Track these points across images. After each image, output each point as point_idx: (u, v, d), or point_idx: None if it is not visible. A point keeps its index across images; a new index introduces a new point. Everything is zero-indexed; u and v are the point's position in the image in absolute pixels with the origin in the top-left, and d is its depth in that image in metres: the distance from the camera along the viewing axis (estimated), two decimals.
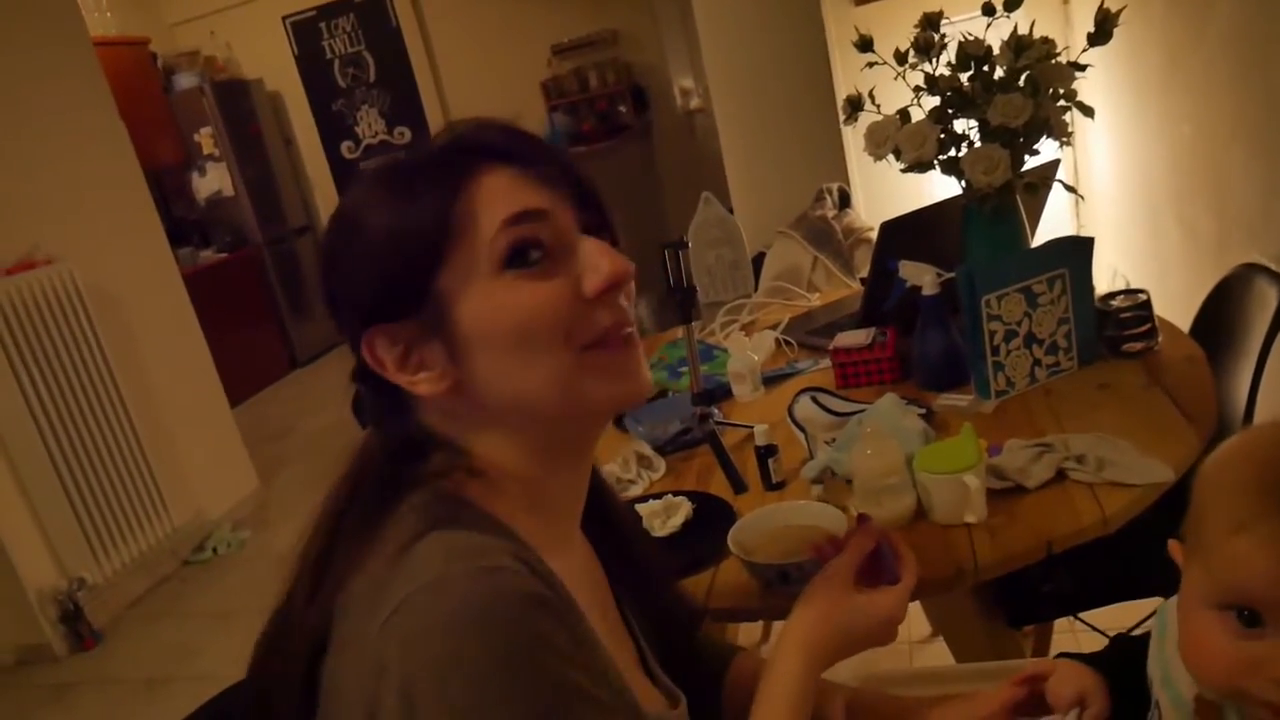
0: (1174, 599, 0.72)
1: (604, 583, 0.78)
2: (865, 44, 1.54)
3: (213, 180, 5.74)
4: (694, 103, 5.35)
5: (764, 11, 2.75)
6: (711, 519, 1.20)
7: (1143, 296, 1.48)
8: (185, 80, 5.65)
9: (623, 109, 5.63)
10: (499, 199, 0.62)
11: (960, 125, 1.48)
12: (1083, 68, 1.39)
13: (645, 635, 0.79)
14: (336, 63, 6.10)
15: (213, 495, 3.62)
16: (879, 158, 1.47)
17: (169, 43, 6.02)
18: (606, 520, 0.80)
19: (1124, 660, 0.75)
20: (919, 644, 2.14)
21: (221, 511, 3.62)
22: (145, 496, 3.23)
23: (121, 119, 3.47)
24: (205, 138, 5.64)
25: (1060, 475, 1.15)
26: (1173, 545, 0.66)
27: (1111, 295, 1.52)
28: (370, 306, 0.64)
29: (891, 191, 2.34)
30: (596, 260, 0.64)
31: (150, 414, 3.31)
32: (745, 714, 0.73)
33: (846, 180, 2.65)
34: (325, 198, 6.42)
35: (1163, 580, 1.39)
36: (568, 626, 0.56)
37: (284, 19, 6.05)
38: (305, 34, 6.08)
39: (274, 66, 6.11)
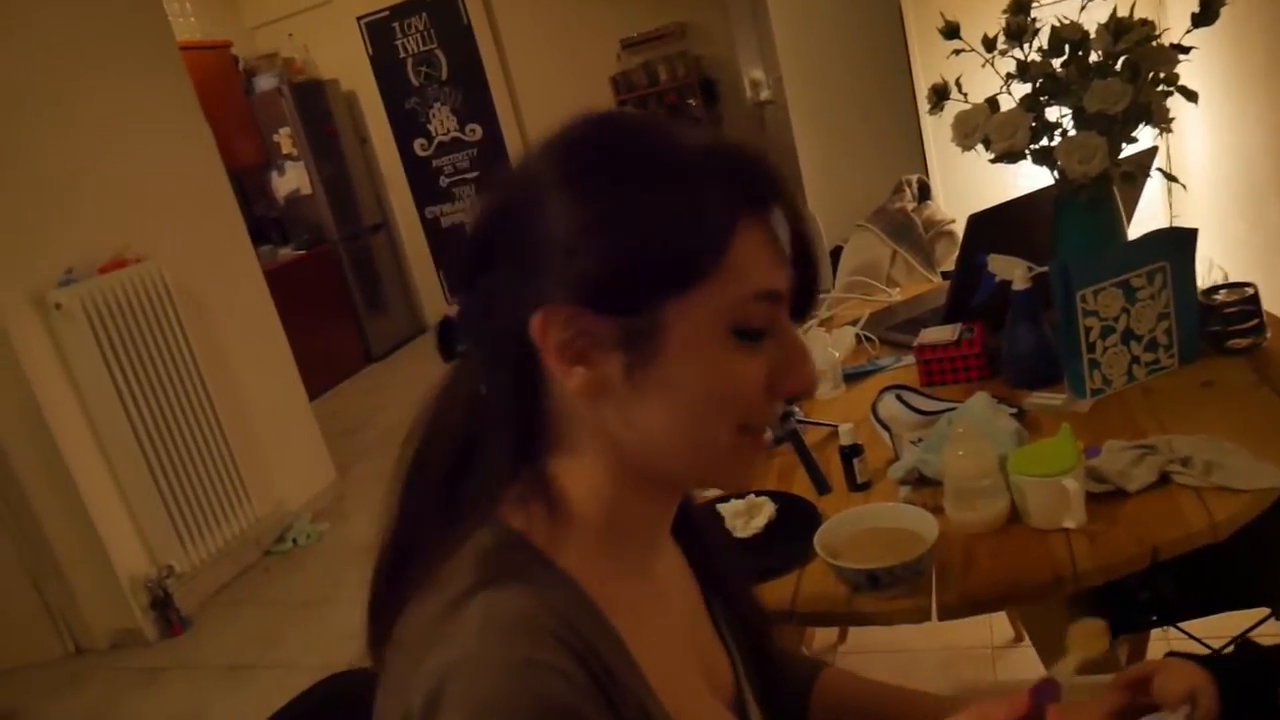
0: None
1: (694, 592, 0.76)
2: (951, 30, 1.49)
3: (291, 179, 5.89)
4: (764, 94, 5.29)
5: (839, 0, 2.70)
6: (795, 520, 1.18)
7: (1249, 290, 1.40)
8: (265, 82, 5.80)
9: (692, 102, 5.60)
10: (756, 263, 0.58)
11: (1053, 113, 1.42)
12: (1186, 50, 1.33)
13: (737, 644, 0.77)
14: (409, 61, 6.20)
15: (292, 487, 3.71)
16: (967, 148, 1.42)
17: (249, 45, 6.19)
18: (689, 525, 0.78)
19: (1245, 664, 0.71)
20: (1001, 649, 2.08)
21: (301, 503, 3.72)
22: (229, 488, 3.33)
23: (206, 120, 3.57)
24: (284, 138, 5.79)
25: (1164, 479, 1.10)
26: None
27: (1215, 289, 1.45)
28: (580, 283, 0.57)
29: (972, 184, 2.28)
30: (800, 365, 0.61)
31: (234, 408, 3.41)
32: None
33: (925, 172, 2.59)
34: (399, 195, 6.54)
35: (1273, 589, 1.33)
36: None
37: (358, 19, 6.17)
38: (379, 34, 6.19)
39: (349, 67, 6.24)
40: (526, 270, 0.58)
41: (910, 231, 2.21)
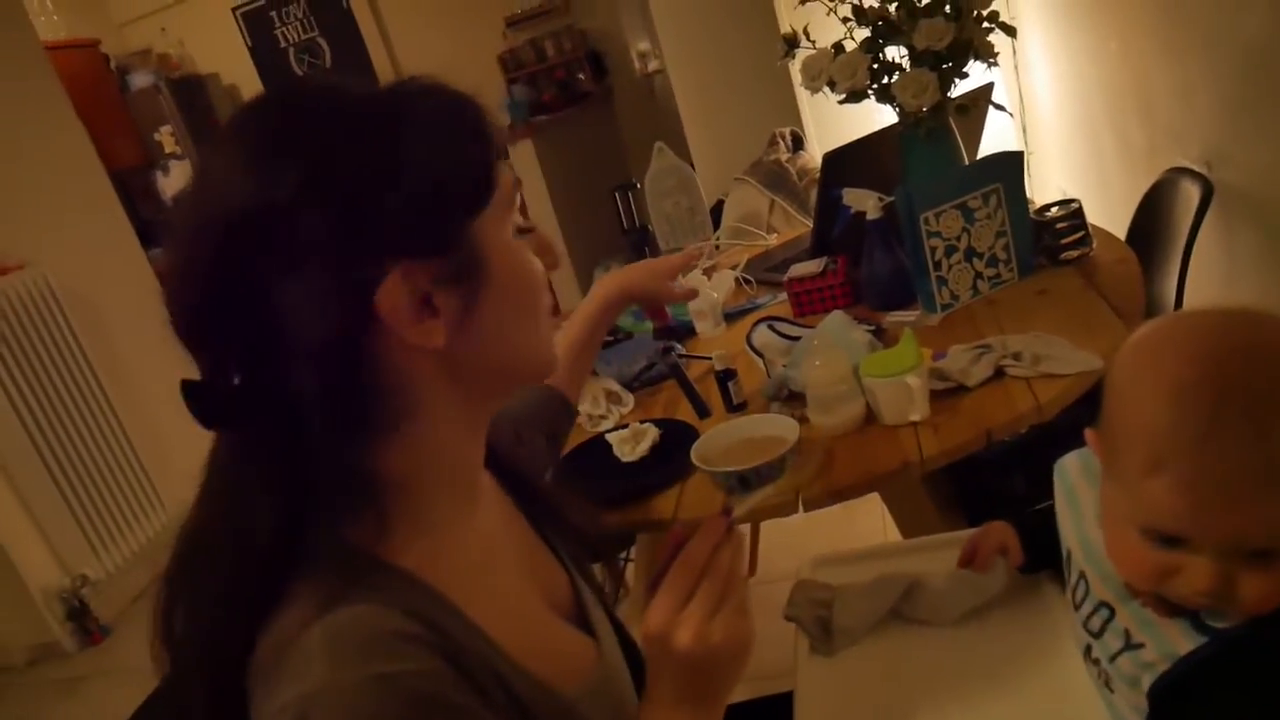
0: (1068, 458, 0.80)
1: (519, 521, 0.80)
2: None
3: (177, 178, 5.72)
4: (652, 65, 5.36)
5: None
6: (678, 441, 1.27)
7: (1075, 205, 1.55)
8: (140, 79, 5.61)
9: (581, 76, 5.63)
10: (503, 176, 0.64)
11: (892, 54, 1.54)
12: None
13: (572, 556, 0.82)
14: (291, 51, 6.06)
15: None
16: (814, 90, 1.53)
17: (120, 43, 5.96)
18: (499, 461, 0.80)
19: (1039, 522, 0.84)
20: None
21: None
22: (139, 492, 3.28)
23: (79, 121, 3.47)
24: (166, 136, 5.62)
25: (999, 373, 1.23)
26: (1089, 435, 0.67)
27: (1046, 207, 1.59)
28: (401, 235, 0.57)
29: (843, 128, 2.40)
30: (549, 244, 0.71)
31: (136, 410, 3.35)
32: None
33: (799, 123, 2.71)
34: None
35: None
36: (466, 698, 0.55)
37: (234, 10, 5.99)
38: (257, 24, 6.04)
39: (229, 59, 6.07)
40: (318, 269, 0.56)
41: (785, 180, 2.32)
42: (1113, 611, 0.69)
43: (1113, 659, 0.68)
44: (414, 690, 0.52)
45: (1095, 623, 0.71)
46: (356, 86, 0.65)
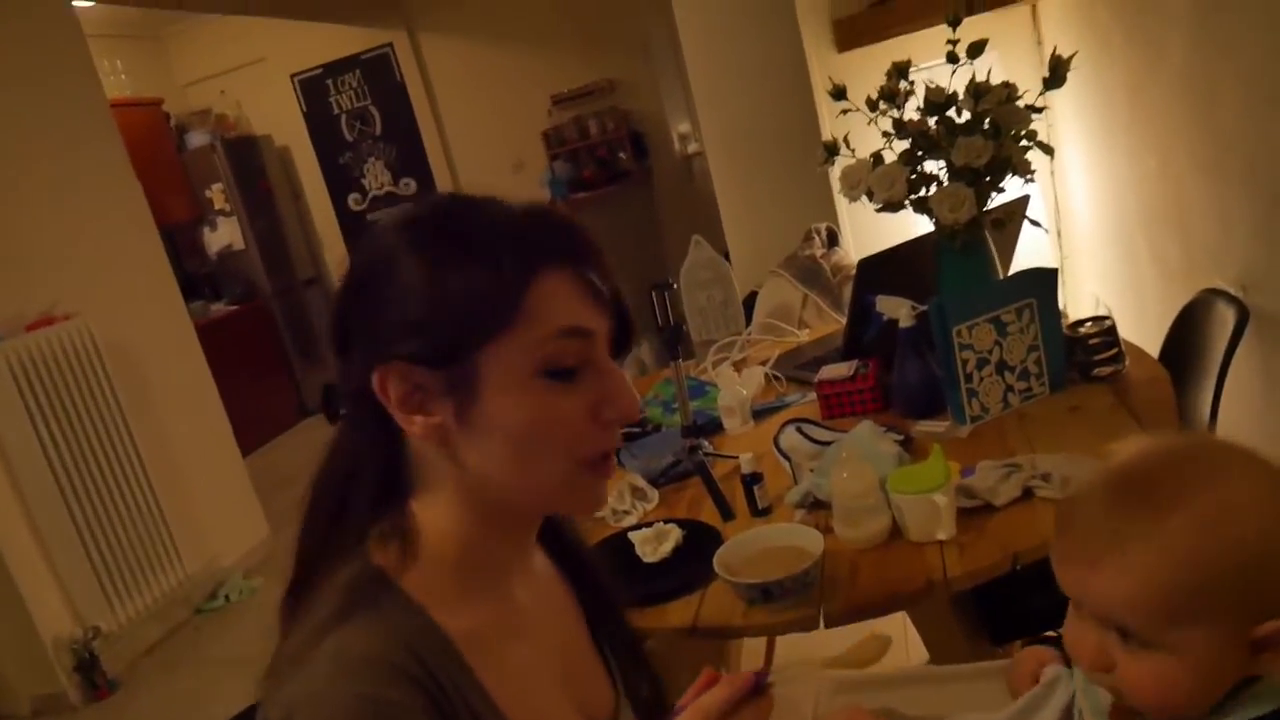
0: None
1: (571, 615, 0.82)
2: (839, 92, 1.63)
3: (224, 234, 5.88)
4: (692, 148, 5.47)
5: (753, 59, 2.86)
6: (700, 544, 1.27)
7: (1108, 322, 1.55)
8: (197, 138, 5.82)
9: (622, 155, 5.76)
10: (559, 305, 0.66)
11: (931, 166, 1.56)
12: (1039, 110, 1.48)
13: (620, 663, 0.83)
14: (344, 117, 6.27)
15: (225, 543, 3.68)
16: (853, 199, 1.55)
17: (181, 102, 6.21)
18: (567, 549, 0.84)
19: None
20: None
21: (233, 559, 3.68)
22: (159, 545, 3.29)
23: (137, 178, 3.59)
24: (217, 193, 5.80)
25: (1028, 493, 1.22)
26: None
27: (1080, 322, 1.59)
28: (406, 344, 0.65)
29: (879, 229, 2.43)
30: (619, 394, 0.68)
31: (165, 464, 3.39)
32: None
33: (835, 220, 2.74)
34: (333, 249, 6.56)
35: None
36: None
37: (292, 77, 6.23)
38: (313, 91, 6.27)
39: (283, 123, 6.29)
40: (365, 339, 0.67)
41: (819, 276, 2.34)
42: None
43: None
44: (386, 716, 0.58)
45: None
46: (444, 200, 0.71)
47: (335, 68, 6.16)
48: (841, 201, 2.89)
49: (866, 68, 2.50)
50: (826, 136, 1.66)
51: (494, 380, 0.65)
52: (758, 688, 0.67)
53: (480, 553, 0.71)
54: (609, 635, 0.84)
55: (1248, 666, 0.61)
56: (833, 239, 2.50)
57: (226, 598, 3.49)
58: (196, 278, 5.90)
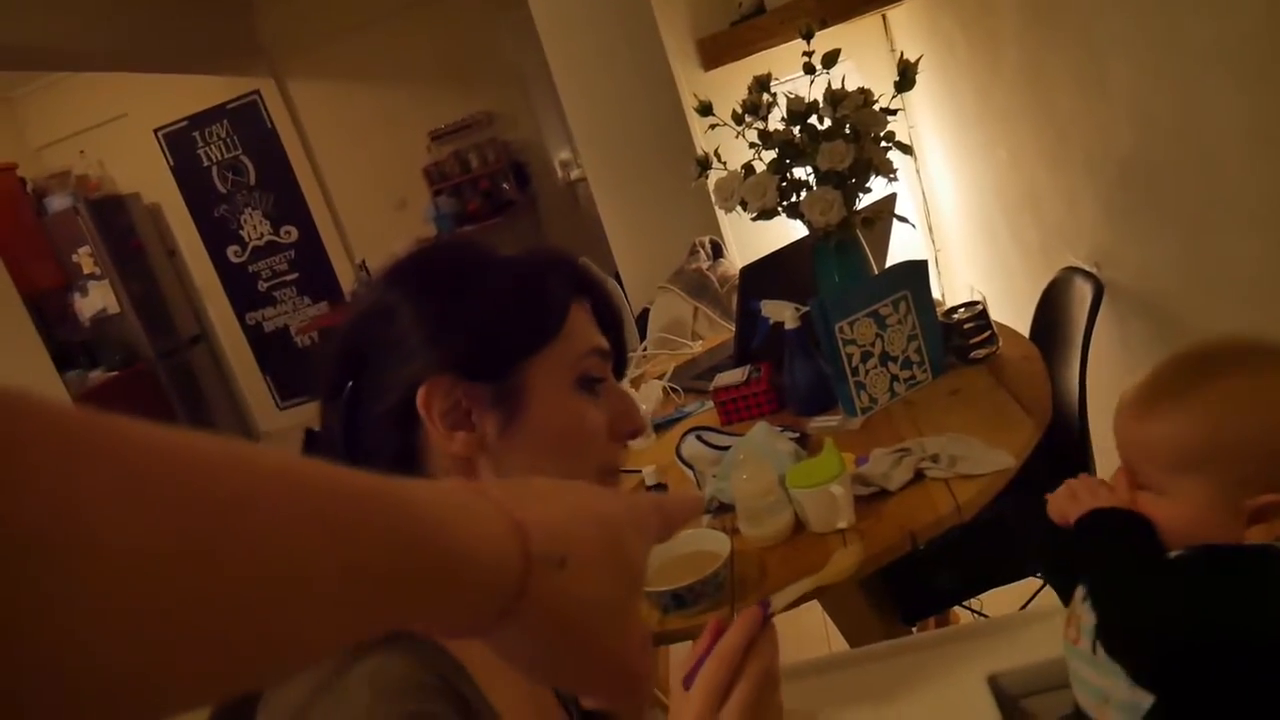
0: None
1: None
2: (705, 108, 1.68)
3: (96, 299, 5.62)
4: (575, 173, 5.52)
5: (624, 83, 2.91)
6: None
7: (979, 307, 1.63)
8: (58, 202, 5.55)
9: (506, 186, 5.76)
10: (587, 329, 0.74)
11: (800, 173, 1.63)
12: (893, 112, 1.56)
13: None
14: (214, 169, 6.09)
15: None
16: (728, 210, 1.60)
17: (37, 165, 5.92)
18: None
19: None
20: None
21: None
22: None
23: None
24: (84, 257, 5.54)
25: (919, 475, 1.27)
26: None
27: (954, 309, 1.67)
28: (457, 357, 0.68)
29: (760, 237, 2.50)
30: (632, 411, 0.76)
31: None
32: None
33: (718, 232, 2.81)
34: (216, 304, 6.34)
35: (1024, 561, 1.53)
36: None
37: (156, 131, 6.02)
38: (179, 144, 6.07)
39: (150, 179, 6.06)
40: (399, 360, 0.69)
41: (707, 288, 2.40)
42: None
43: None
44: None
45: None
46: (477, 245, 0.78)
47: (201, 119, 5.98)
48: (722, 213, 2.97)
49: (732, 83, 2.58)
50: (699, 152, 1.71)
51: (540, 390, 0.70)
52: (766, 618, 0.69)
53: None
54: None
55: (1239, 535, 0.69)
56: (717, 250, 2.56)
57: None
58: (70, 346, 5.61)
